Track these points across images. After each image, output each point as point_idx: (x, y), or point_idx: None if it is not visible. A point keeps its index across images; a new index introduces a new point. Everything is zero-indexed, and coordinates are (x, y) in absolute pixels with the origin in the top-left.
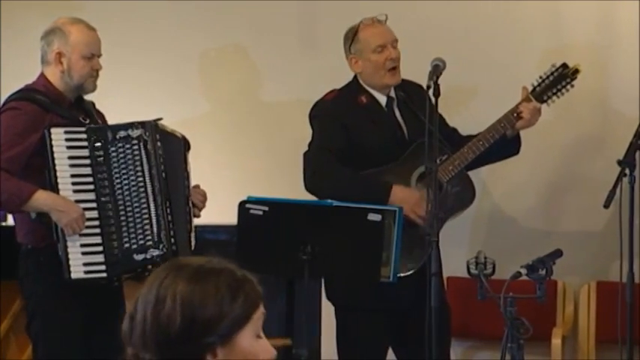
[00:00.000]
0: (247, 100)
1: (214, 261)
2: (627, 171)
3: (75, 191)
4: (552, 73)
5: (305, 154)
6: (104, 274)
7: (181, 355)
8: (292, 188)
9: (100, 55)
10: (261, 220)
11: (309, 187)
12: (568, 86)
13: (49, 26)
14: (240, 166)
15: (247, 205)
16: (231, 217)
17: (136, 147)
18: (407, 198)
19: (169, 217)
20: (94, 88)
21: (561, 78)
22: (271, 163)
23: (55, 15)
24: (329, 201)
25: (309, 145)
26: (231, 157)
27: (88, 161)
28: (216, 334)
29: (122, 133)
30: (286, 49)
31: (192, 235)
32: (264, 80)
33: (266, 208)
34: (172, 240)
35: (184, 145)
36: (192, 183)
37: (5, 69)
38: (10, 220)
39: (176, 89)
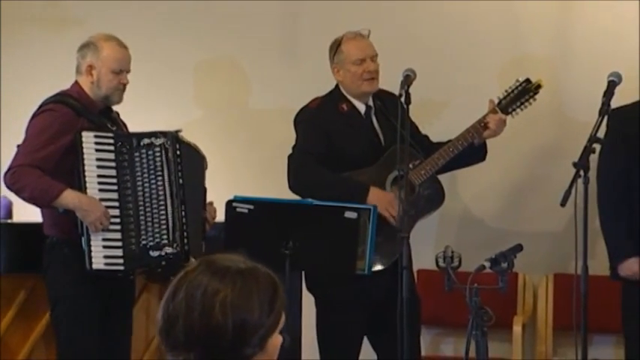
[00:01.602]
0: (236, 107)
1: (247, 261)
2: (582, 172)
3: (100, 190)
4: (517, 87)
5: (289, 156)
6: (122, 267)
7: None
8: (276, 188)
9: (128, 71)
10: (247, 218)
11: (292, 187)
12: (531, 100)
13: (85, 40)
14: (228, 168)
15: (234, 204)
16: (219, 215)
17: (158, 154)
18: (382, 198)
19: (184, 220)
20: (119, 100)
21: (525, 92)
22: (257, 164)
23: (54, 29)
24: (309, 200)
25: (293, 148)
26: (220, 159)
27: (113, 164)
28: (257, 338)
29: (146, 141)
30: (272, 61)
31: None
32: (252, 89)
33: (251, 207)
34: (185, 240)
35: (203, 162)
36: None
37: (5, 80)
38: (14, 217)
39: (170, 97)
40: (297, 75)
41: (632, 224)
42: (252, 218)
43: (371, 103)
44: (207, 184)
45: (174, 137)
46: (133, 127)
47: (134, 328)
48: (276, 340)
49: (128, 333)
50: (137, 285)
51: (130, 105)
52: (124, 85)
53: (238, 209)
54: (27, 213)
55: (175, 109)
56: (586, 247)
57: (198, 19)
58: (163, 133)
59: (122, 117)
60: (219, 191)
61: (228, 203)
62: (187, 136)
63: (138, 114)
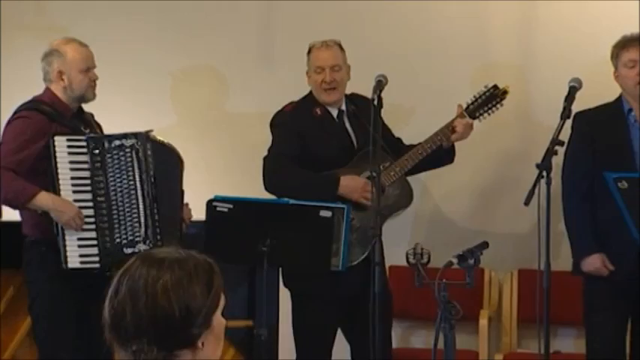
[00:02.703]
0: (214, 110)
1: (181, 251)
2: (544, 173)
3: (74, 192)
4: (484, 93)
5: (264, 158)
6: (97, 265)
7: (178, 341)
8: (254, 188)
9: (95, 67)
10: (226, 217)
11: (267, 187)
12: (498, 105)
13: (47, 49)
14: (209, 169)
15: (214, 203)
16: (199, 214)
17: (129, 154)
18: (354, 185)
19: (156, 217)
20: (94, 97)
21: (492, 98)
22: (236, 165)
23: (43, 36)
24: (286, 199)
25: (269, 150)
26: (200, 160)
27: (86, 166)
28: (203, 319)
29: (117, 142)
30: (249, 67)
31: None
32: (229, 94)
33: (231, 206)
34: (158, 237)
35: (179, 162)
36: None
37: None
38: (3, 216)
39: (151, 101)
40: (273, 80)
41: (595, 222)
42: (232, 217)
43: (344, 107)
44: (189, 183)
45: (144, 137)
46: (114, 130)
47: None
48: (221, 319)
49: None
50: None
51: (111, 109)
52: (95, 82)
53: (218, 208)
54: (16, 212)
55: (156, 113)
56: (549, 244)
57: (178, 28)
58: (134, 134)
59: (104, 121)
60: (200, 191)
61: (209, 202)
62: (168, 138)
63: (118, 118)
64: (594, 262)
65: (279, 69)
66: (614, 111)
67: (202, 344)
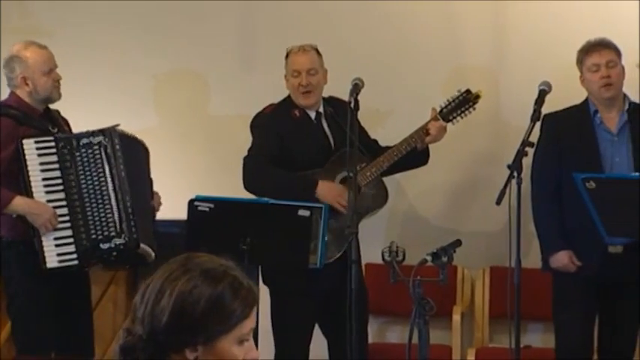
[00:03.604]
0: (196, 112)
1: (225, 265)
2: (515, 174)
3: (47, 192)
4: (458, 97)
5: (245, 158)
6: (76, 262)
7: (164, 342)
8: (235, 188)
9: (56, 67)
10: (208, 216)
11: (247, 187)
12: (471, 109)
13: (6, 55)
14: (190, 169)
15: (196, 203)
16: (181, 213)
17: (97, 151)
18: (331, 191)
19: (130, 210)
20: (59, 97)
21: (465, 102)
22: (217, 166)
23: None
24: (266, 199)
25: (249, 150)
26: (182, 161)
27: (57, 165)
28: (200, 334)
29: (85, 140)
30: (229, 70)
31: (154, 224)
32: (210, 96)
33: (212, 205)
34: (133, 229)
35: (146, 152)
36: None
37: None
38: None
39: (133, 104)
40: (254, 83)
41: (562, 220)
42: (213, 216)
43: (321, 109)
44: (170, 184)
45: (111, 133)
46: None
47: (102, 317)
48: (230, 345)
49: (87, 323)
50: (104, 277)
51: (94, 111)
52: (58, 82)
53: (200, 208)
54: None
55: (139, 115)
56: (519, 242)
57: (160, 32)
58: (101, 131)
59: (87, 123)
60: (182, 191)
61: (191, 202)
62: (150, 140)
63: (102, 120)
64: (562, 259)
65: (259, 72)
66: (580, 113)
67: (195, 358)
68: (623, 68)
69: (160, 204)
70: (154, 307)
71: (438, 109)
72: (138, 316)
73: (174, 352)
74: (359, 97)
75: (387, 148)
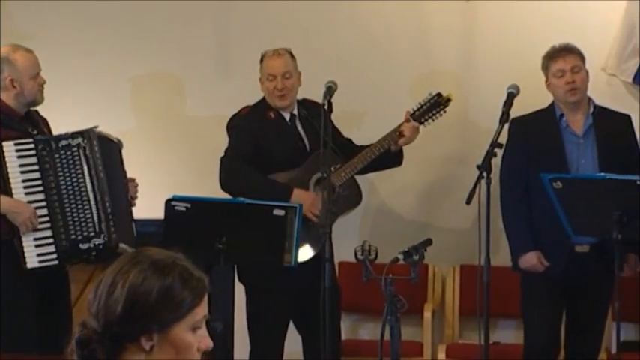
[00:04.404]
0: (173, 115)
1: (173, 257)
2: (484, 174)
3: (26, 194)
4: (429, 100)
5: (221, 159)
6: (56, 262)
7: (119, 332)
8: (211, 188)
9: (41, 71)
10: (184, 215)
11: (223, 187)
12: (442, 112)
13: None
14: (167, 170)
15: (172, 203)
16: (159, 213)
17: (76, 153)
18: (304, 200)
19: (109, 210)
20: (42, 100)
21: (436, 105)
22: (193, 166)
23: (9, 42)
24: (241, 199)
25: (225, 151)
26: (159, 162)
27: (36, 167)
28: (154, 323)
29: (64, 142)
30: (205, 72)
31: (134, 224)
32: (186, 98)
33: (188, 205)
34: (112, 229)
35: (119, 147)
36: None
37: None
38: None
39: (111, 106)
40: (229, 85)
41: (530, 221)
42: (190, 216)
43: (295, 111)
44: (148, 184)
45: (90, 135)
46: None
47: (80, 315)
48: (184, 332)
49: (68, 320)
50: (82, 277)
51: (73, 114)
52: (42, 85)
53: (176, 207)
54: None
55: (117, 118)
56: (488, 241)
57: (138, 35)
58: (80, 133)
59: (67, 126)
60: (159, 191)
61: (167, 202)
62: (127, 141)
63: (81, 122)
64: (530, 259)
65: (235, 74)
66: (547, 117)
67: (151, 347)
68: (587, 73)
69: (136, 192)
70: (107, 300)
71: (411, 112)
72: (92, 311)
73: (129, 341)
74: (333, 100)
75: (363, 147)
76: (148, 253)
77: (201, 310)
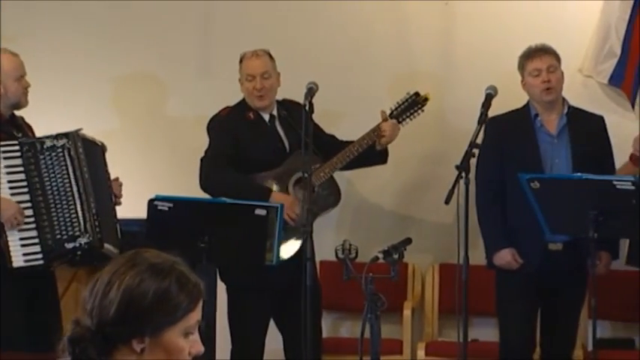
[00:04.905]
0: (155, 115)
1: (171, 260)
2: (463, 174)
3: (12, 194)
4: (407, 100)
5: (201, 159)
6: (41, 262)
7: (111, 333)
8: (194, 188)
9: (26, 74)
10: (167, 215)
11: (203, 187)
12: (419, 111)
13: None
14: (150, 170)
15: (155, 202)
16: (142, 212)
17: (61, 154)
18: (282, 202)
19: (94, 210)
20: (26, 103)
21: (414, 104)
22: (176, 166)
23: None
24: (223, 199)
25: (206, 152)
26: (142, 162)
27: (22, 169)
28: (147, 325)
29: (49, 144)
30: (188, 73)
31: (118, 225)
32: (168, 98)
33: (171, 205)
34: (97, 229)
35: (102, 149)
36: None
37: None
38: None
39: (93, 107)
40: (210, 86)
41: (505, 219)
42: (172, 215)
43: (275, 112)
44: (131, 184)
45: (74, 136)
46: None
47: (64, 314)
48: (176, 337)
49: (56, 319)
50: (65, 275)
51: (55, 115)
52: (27, 89)
53: (159, 207)
54: None
55: (99, 118)
56: (467, 240)
57: (120, 37)
58: (65, 134)
59: (48, 128)
60: (142, 191)
61: (150, 202)
62: (109, 141)
63: (63, 124)
64: (505, 257)
65: (217, 75)
66: (522, 116)
67: (142, 350)
68: (562, 73)
69: (120, 190)
70: (102, 300)
71: (389, 112)
72: (86, 309)
73: (121, 342)
74: (313, 100)
75: (347, 142)
76: (146, 255)
77: (195, 315)
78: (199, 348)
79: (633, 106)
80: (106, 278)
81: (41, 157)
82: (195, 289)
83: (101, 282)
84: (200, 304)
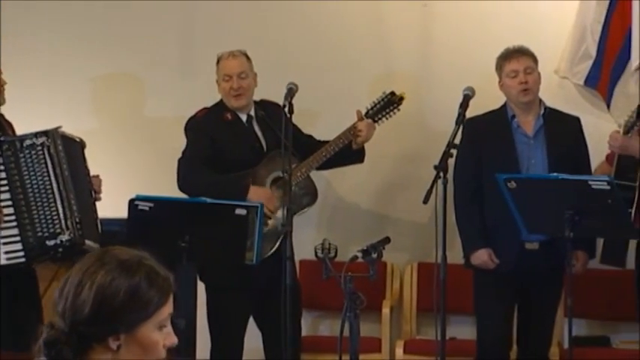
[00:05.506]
0: (134, 115)
1: (139, 256)
2: (441, 174)
3: None
4: (383, 99)
5: (178, 160)
6: (23, 260)
7: (86, 333)
8: (174, 188)
9: (1, 73)
10: (147, 215)
11: (180, 188)
12: (395, 110)
13: None
14: (130, 169)
15: (136, 202)
16: (122, 212)
17: (40, 152)
18: (260, 195)
19: (74, 207)
20: (4, 101)
21: (390, 103)
22: (156, 166)
23: None
24: (203, 199)
25: (183, 152)
26: (121, 161)
27: (2, 167)
28: (121, 323)
29: (28, 142)
30: (167, 74)
31: (98, 221)
32: (147, 98)
33: (151, 205)
34: (78, 226)
35: (81, 146)
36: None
37: None
38: None
39: (73, 107)
40: (189, 86)
41: (482, 220)
42: (153, 215)
43: (252, 112)
44: (111, 184)
45: (54, 134)
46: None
47: (46, 313)
48: (151, 331)
49: (37, 318)
50: (46, 274)
51: (35, 114)
52: (3, 87)
53: (140, 207)
54: None
55: (79, 118)
56: (445, 240)
57: (99, 36)
58: (44, 132)
59: (27, 127)
60: (122, 190)
61: (131, 201)
62: (90, 141)
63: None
64: (481, 256)
65: (196, 75)
66: (499, 117)
67: (118, 347)
68: (539, 74)
69: (100, 186)
70: (74, 301)
71: (364, 111)
72: (58, 310)
73: (97, 342)
74: (292, 101)
75: (324, 142)
76: (114, 252)
77: (167, 309)
78: (173, 339)
79: (609, 107)
80: (76, 279)
81: (21, 155)
82: (166, 283)
83: (71, 282)
84: (171, 297)
